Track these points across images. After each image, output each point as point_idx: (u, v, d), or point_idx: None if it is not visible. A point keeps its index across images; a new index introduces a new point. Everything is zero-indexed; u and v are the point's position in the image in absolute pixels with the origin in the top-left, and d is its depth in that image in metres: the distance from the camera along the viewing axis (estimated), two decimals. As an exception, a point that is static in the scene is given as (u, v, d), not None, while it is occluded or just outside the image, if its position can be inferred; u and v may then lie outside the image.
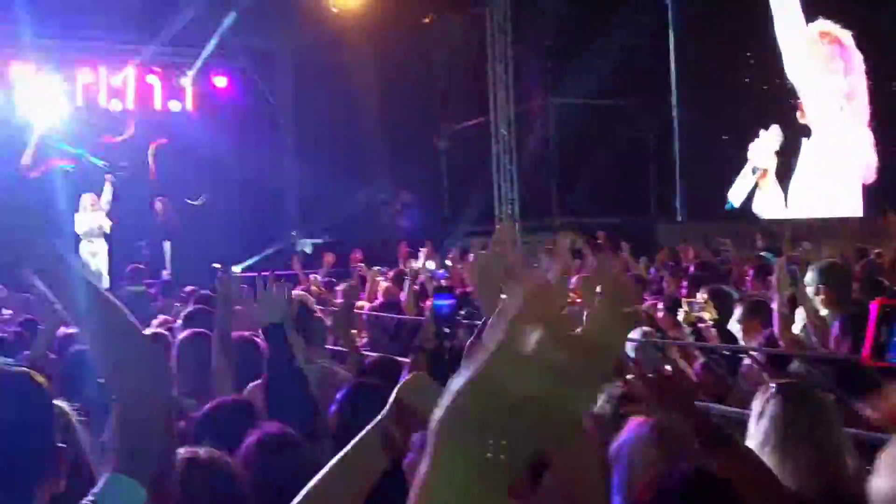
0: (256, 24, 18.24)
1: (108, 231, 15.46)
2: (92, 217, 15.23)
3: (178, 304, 9.97)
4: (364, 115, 16.58)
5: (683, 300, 6.28)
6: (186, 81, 18.36)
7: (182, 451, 2.58)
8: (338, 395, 3.39)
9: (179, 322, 6.28)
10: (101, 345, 1.80)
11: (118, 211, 16.19)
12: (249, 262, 17.15)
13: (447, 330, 3.61)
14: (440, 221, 16.97)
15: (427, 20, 18.12)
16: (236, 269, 16.30)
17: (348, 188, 17.59)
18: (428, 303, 6.58)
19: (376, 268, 10.45)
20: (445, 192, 17.61)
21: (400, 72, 16.89)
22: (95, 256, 15.17)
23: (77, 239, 15.22)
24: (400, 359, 6.96)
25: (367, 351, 6.51)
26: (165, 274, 13.86)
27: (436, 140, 17.85)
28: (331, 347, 6.31)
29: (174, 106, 18.50)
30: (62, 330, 5.44)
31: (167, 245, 16.26)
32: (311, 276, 10.42)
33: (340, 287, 8.69)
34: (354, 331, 7.77)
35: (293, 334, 4.25)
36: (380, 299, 9.29)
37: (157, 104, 18.43)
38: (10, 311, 8.20)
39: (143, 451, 1.77)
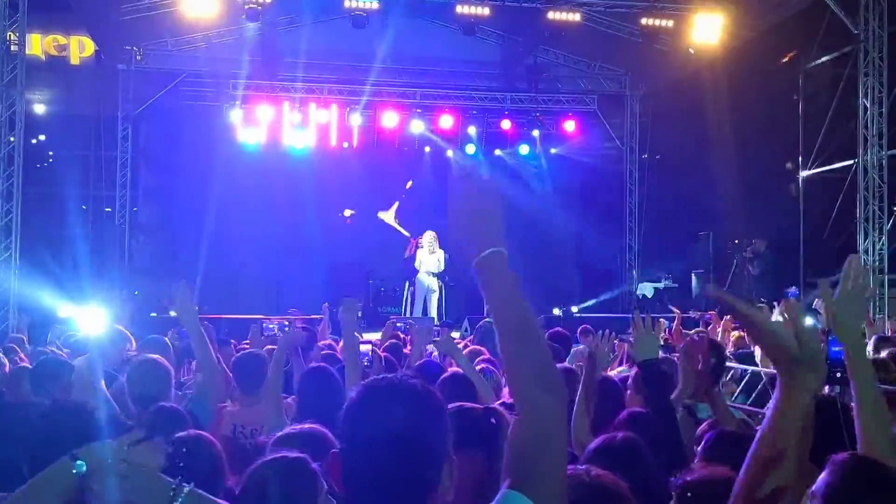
0: (608, 68, 18.50)
1: (440, 269, 16.23)
2: (433, 255, 16.11)
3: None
4: (715, 158, 16.00)
5: None
6: (537, 127, 19.03)
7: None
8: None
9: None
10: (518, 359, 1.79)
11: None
12: (587, 303, 17.26)
13: (839, 374, 3.32)
14: (792, 272, 15.84)
15: (787, 59, 17.19)
16: (574, 308, 16.53)
17: (693, 232, 17.10)
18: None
19: (728, 317, 9.92)
20: (799, 241, 16.41)
21: (756, 113, 16.12)
22: (433, 292, 16.04)
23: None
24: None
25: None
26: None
27: (792, 185, 16.74)
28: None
29: (523, 150, 19.25)
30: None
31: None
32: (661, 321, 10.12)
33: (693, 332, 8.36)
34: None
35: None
36: (730, 348, 8.82)
37: (508, 148, 19.29)
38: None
39: (540, 468, 1.71)
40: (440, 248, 16.28)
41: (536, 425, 1.74)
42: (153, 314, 14.20)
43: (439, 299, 16.47)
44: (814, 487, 2.41)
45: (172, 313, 4.78)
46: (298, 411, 4.43)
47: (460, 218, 1.86)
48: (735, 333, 9.31)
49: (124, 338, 7.02)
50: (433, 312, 15.98)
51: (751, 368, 7.81)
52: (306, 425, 3.33)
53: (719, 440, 3.33)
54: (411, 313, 15.99)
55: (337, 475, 1.75)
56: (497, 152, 19.51)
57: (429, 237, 16.11)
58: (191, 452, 3.23)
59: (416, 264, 16.16)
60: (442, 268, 16.18)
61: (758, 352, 8.23)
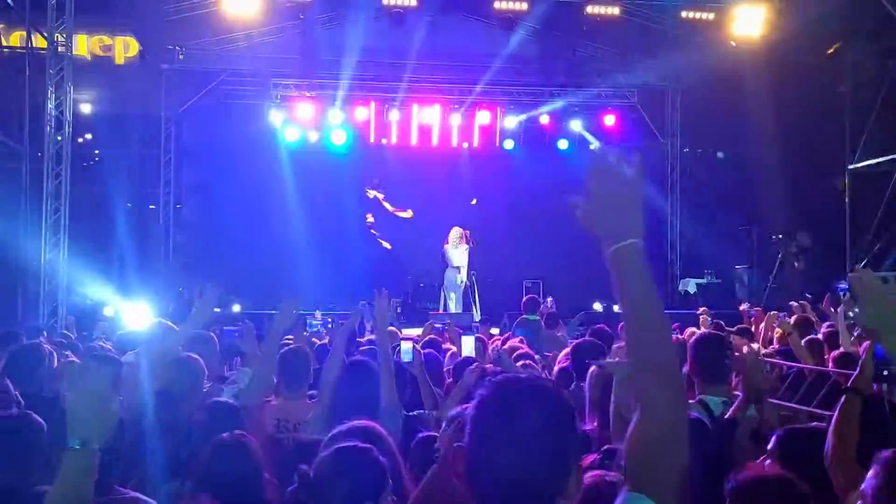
0: (648, 61, 18.33)
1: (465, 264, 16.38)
2: (457, 250, 16.25)
3: (560, 335, 10.32)
4: (758, 152, 15.79)
5: None
6: (576, 123, 18.93)
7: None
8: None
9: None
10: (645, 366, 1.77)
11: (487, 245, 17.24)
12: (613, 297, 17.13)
13: (886, 372, 3.27)
14: (837, 267, 15.59)
15: (832, 51, 16.88)
16: (616, 307, 16.42)
17: (736, 227, 16.90)
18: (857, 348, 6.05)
19: (773, 312, 9.80)
20: (846, 235, 16.13)
21: (799, 106, 15.87)
22: (460, 285, 16.18)
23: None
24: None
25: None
26: (549, 304, 14.26)
27: (837, 179, 16.47)
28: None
29: (562, 144, 19.17)
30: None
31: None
32: (702, 317, 10.03)
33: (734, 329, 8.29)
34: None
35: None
36: (775, 346, 8.69)
37: (547, 142, 19.21)
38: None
39: (662, 468, 1.69)
40: (466, 243, 16.42)
41: (659, 422, 1.71)
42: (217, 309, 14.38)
43: (472, 294, 16.57)
44: (863, 486, 2.39)
45: (217, 309, 4.87)
46: (335, 405, 4.45)
47: (597, 206, 1.83)
48: (779, 330, 9.17)
49: (171, 332, 7.14)
50: (455, 307, 16.08)
51: (796, 366, 7.69)
52: (360, 422, 3.35)
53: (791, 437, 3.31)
54: (445, 309, 16.08)
55: (459, 469, 1.75)
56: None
57: (455, 233, 16.26)
58: (230, 458, 3.30)
59: (446, 260, 16.32)
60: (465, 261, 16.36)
61: (794, 348, 8.12)
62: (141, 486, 3.33)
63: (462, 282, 16.26)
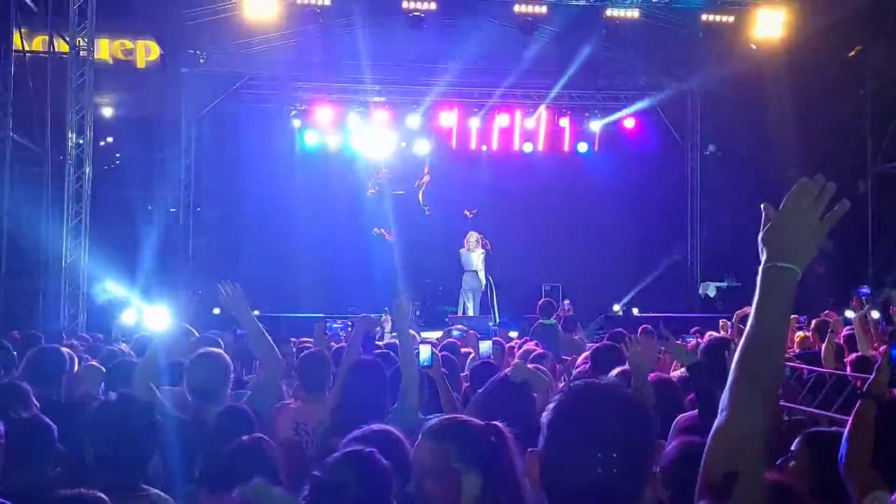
0: (668, 65, 18.28)
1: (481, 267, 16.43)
2: (471, 254, 16.32)
3: (579, 338, 10.30)
4: (779, 154, 15.67)
5: None
6: (596, 124, 18.89)
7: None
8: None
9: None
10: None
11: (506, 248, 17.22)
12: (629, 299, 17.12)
13: (903, 379, 3.25)
14: (857, 271, 15.46)
15: (853, 54, 16.74)
16: (635, 310, 16.39)
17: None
18: (875, 352, 6.00)
19: (793, 316, 9.73)
20: (868, 238, 15.98)
21: (820, 108, 15.75)
22: (479, 289, 16.25)
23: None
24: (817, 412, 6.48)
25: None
26: (566, 307, 14.25)
27: (858, 182, 16.32)
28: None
29: (581, 147, 19.13)
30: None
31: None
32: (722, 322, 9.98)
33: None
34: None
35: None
36: (794, 349, 8.64)
37: (566, 146, 19.19)
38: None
39: (742, 477, 1.70)
40: (482, 247, 16.48)
41: (748, 427, 1.74)
42: (216, 310, 14.48)
43: (490, 297, 16.64)
44: None
45: (216, 311, 4.87)
46: (341, 404, 4.46)
47: (782, 222, 1.92)
48: (799, 334, 9.12)
49: (190, 334, 7.19)
50: (473, 310, 16.17)
51: (817, 370, 7.63)
52: (378, 426, 3.35)
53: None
54: (464, 312, 16.12)
55: (535, 475, 1.73)
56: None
57: (471, 238, 16.38)
58: (249, 460, 3.31)
59: (463, 264, 16.41)
60: (482, 266, 16.42)
61: (824, 353, 8.06)
62: (165, 487, 3.36)
63: (481, 284, 16.33)
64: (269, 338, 4.72)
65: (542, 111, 18.82)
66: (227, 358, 4.78)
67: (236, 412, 4.00)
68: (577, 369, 6.25)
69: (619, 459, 1.64)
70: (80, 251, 13.63)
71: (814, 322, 9.08)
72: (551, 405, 1.75)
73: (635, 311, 16.03)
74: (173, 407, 4.26)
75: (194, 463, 3.63)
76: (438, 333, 10.44)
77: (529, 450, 1.76)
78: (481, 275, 16.40)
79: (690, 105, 19.19)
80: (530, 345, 7.59)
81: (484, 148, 19.13)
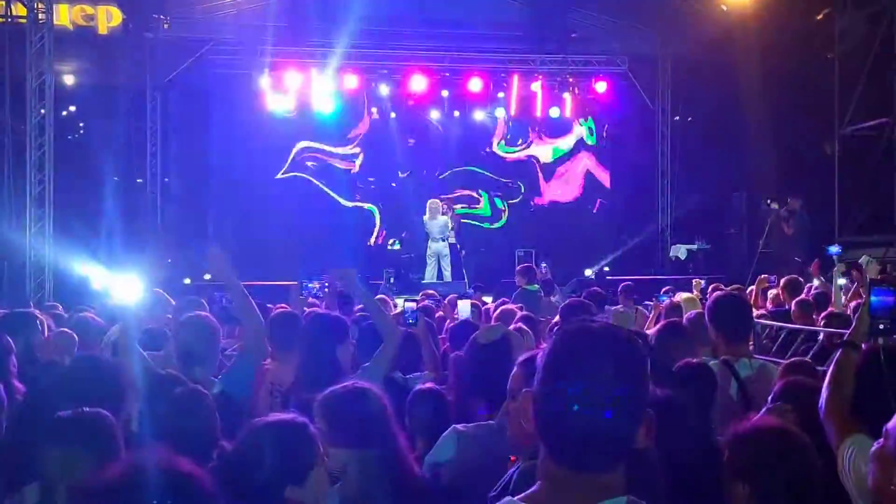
0: (639, 28, 18.22)
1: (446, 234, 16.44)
2: (434, 222, 16.30)
3: (555, 299, 10.31)
4: (749, 118, 15.74)
5: None
6: (567, 91, 18.81)
7: None
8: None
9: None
10: None
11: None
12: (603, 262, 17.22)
13: (882, 326, 3.28)
14: (827, 231, 15.63)
15: (821, 17, 16.78)
16: (606, 269, 16.50)
17: (727, 193, 16.90)
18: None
19: (763, 276, 9.84)
20: (835, 200, 16.15)
21: (789, 72, 15.80)
22: (442, 257, 16.27)
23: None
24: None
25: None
26: (543, 270, 14.27)
27: (826, 144, 16.44)
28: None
29: (553, 112, 19.06)
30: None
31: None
32: (695, 281, 10.03)
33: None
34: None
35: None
36: (769, 306, 8.73)
37: (538, 111, 19.11)
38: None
39: None
40: (444, 214, 16.46)
41: None
42: (187, 280, 14.33)
43: (462, 262, 16.68)
44: (889, 425, 2.38)
45: (207, 276, 4.81)
46: (301, 363, 4.47)
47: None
48: (772, 291, 9.21)
49: (165, 301, 7.10)
50: (447, 276, 16.14)
51: (787, 326, 7.72)
52: (350, 383, 3.32)
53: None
54: (439, 278, 16.15)
55: (528, 417, 1.72)
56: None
57: (431, 205, 16.35)
58: (188, 410, 3.28)
59: (427, 231, 16.37)
60: (448, 232, 16.36)
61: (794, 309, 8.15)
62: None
63: (445, 251, 16.35)
64: (252, 300, 4.68)
65: (515, 76, 18.69)
66: (215, 322, 4.74)
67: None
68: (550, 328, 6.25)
69: (612, 399, 1.63)
70: (43, 221, 13.39)
71: (783, 280, 9.17)
72: (545, 346, 1.74)
73: (606, 269, 16.16)
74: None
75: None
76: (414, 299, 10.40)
77: (524, 390, 1.74)
78: (444, 242, 16.40)
79: (661, 69, 19.17)
80: (511, 306, 7.56)
81: (456, 113, 19.01)
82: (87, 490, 2.11)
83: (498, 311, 6.64)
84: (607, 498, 1.64)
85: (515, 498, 1.68)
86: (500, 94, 18.78)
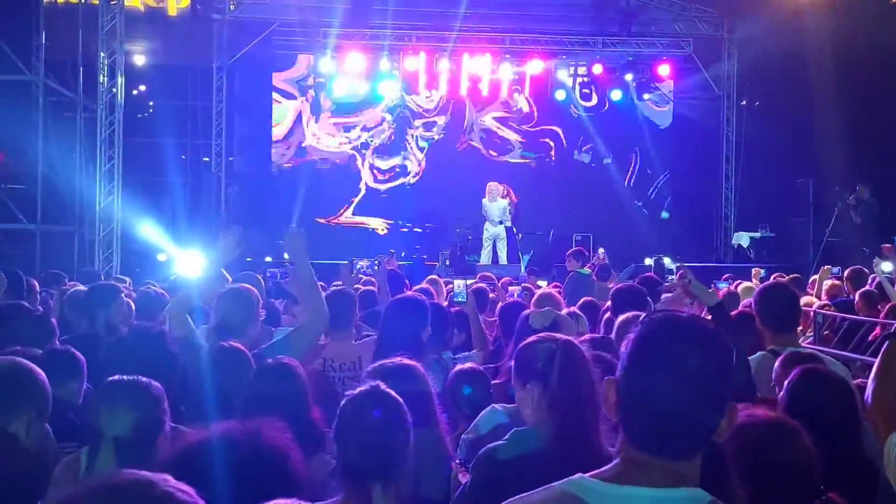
0: (704, 11, 17.87)
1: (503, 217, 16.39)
2: (493, 204, 16.26)
3: (612, 286, 10.24)
4: (818, 104, 15.33)
5: None
6: (629, 74, 18.58)
7: None
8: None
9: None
10: None
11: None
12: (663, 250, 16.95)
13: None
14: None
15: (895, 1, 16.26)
16: (666, 259, 16.30)
17: (792, 180, 16.53)
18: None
19: (826, 266, 9.61)
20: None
21: (860, 57, 15.34)
22: (499, 240, 16.25)
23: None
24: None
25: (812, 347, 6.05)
26: (601, 256, 14.18)
27: (899, 131, 15.95)
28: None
29: (616, 95, 18.85)
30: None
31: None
32: (754, 270, 9.87)
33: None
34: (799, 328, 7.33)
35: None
36: (824, 297, 8.55)
37: (600, 94, 18.91)
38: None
39: None
40: (503, 197, 16.42)
41: None
42: (248, 258, 14.60)
43: (517, 246, 16.66)
44: None
45: (286, 256, 4.86)
46: (380, 341, 4.46)
47: None
48: (829, 282, 9.01)
49: (222, 277, 7.26)
50: (503, 258, 16.12)
51: (849, 317, 7.55)
52: (397, 359, 3.36)
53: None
54: (495, 261, 16.17)
55: (612, 403, 1.76)
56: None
57: (490, 187, 16.33)
58: (278, 379, 3.34)
59: (484, 213, 16.38)
60: (506, 216, 16.33)
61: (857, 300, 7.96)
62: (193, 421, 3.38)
63: (503, 234, 16.34)
64: (320, 288, 4.62)
65: (576, 57, 18.53)
66: (256, 294, 4.78)
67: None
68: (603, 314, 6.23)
69: (696, 390, 1.66)
70: (113, 196, 13.77)
71: (846, 271, 8.96)
72: (630, 335, 1.76)
73: (667, 260, 15.91)
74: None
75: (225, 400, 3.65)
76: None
77: (607, 378, 1.78)
78: (502, 225, 16.38)
79: (727, 52, 18.78)
80: (548, 289, 7.55)
81: (517, 95, 18.93)
82: (172, 460, 2.21)
83: (536, 295, 6.62)
84: (682, 486, 1.66)
85: (586, 475, 1.71)
86: (562, 76, 18.64)
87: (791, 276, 9.28)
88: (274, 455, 2.28)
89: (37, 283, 7.26)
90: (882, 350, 3.22)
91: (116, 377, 2.90)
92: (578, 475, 1.72)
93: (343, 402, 2.62)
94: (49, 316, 5.25)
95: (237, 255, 4.61)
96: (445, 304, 6.23)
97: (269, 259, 14.78)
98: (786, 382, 3.21)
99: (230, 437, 2.29)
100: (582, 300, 6.57)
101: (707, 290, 3.95)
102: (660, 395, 1.66)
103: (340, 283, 7.03)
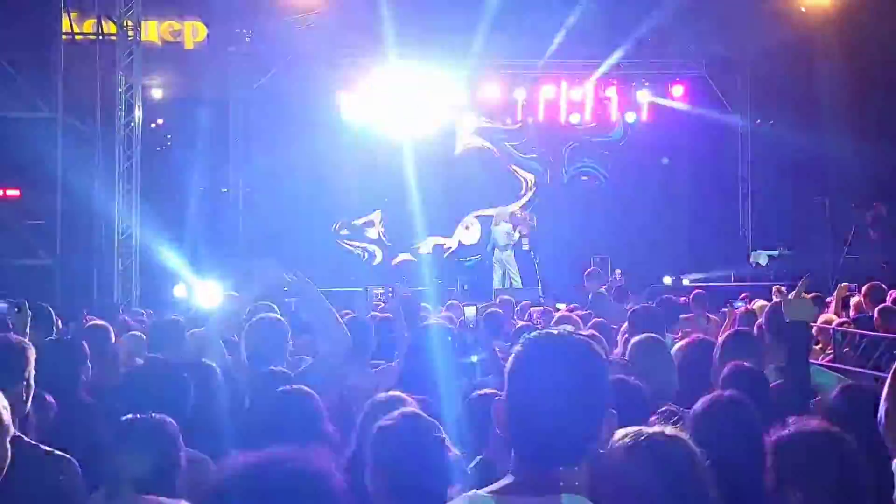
0: (718, 30, 17.88)
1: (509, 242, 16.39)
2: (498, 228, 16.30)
3: (629, 308, 10.21)
4: (832, 122, 15.29)
5: None
6: (643, 94, 18.61)
7: None
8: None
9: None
10: None
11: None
12: (697, 276, 16.84)
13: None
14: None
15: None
16: (685, 281, 16.21)
17: (809, 198, 16.47)
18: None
19: (844, 283, 9.56)
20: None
21: (874, 74, 15.31)
22: (508, 265, 16.28)
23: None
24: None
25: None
26: (618, 277, 14.16)
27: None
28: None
29: (629, 117, 18.88)
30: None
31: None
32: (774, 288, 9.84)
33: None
34: (818, 346, 7.29)
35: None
36: (852, 314, 8.49)
37: (614, 116, 18.96)
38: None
39: None
40: (507, 222, 16.54)
41: None
42: (286, 289, 14.62)
43: (534, 269, 16.71)
44: None
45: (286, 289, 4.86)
46: (403, 371, 4.46)
47: None
48: (854, 298, 8.95)
49: (242, 310, 7.29)
50: (517, 282, 16.14)
51: (868, 334, 7.49)
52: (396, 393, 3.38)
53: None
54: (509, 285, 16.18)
55: (501, 421, 1.86)
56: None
57: (495, 212, 16.41)
58: (291, 404, 3.36)
59: (492, 239, 16.47)
60: (511, 241, 16.34)
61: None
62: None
63: (509, 258, 16.40)
64: (337, 315, 4.62)
65: (590, 81, 18.58)
66: (286, 323, 4.78)
67: (280, 375, 4.04)
68: (622, 336, 6.23)
69: (572, 403, 1.78)
70: (131, 230, 13.91)
71: (864, 287, 8.90)
72: (511, 356, 1.89)
73: (686, 280, 15.86)
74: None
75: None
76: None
77: (497, 397, 1.91)
78: (510, 251, 16.43)
79: (740, 72, 18.79)
80: (565, 311, 7.56)
81: (530, 120, 18.99)
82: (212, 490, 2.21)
83: (555, 318, 6.64)
84: (566, 493, 1.76)
85: (482, 490, 1.82)
86: (576, 99, 18.69)
87: (812, 294, 9.21)
88: (324, 482, 2.28)
89: (59, 320, 7.32)
90: (894, 367, 3.19)
91: (130, 416, 2.90)
92: (473, 491, 1.85)
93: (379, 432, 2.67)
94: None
95: (272, 286, 4.62)
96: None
97: (286, 289, 14.77)
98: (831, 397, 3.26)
99: (282, 462, 2.29)
100: (593, 320, 6.57)
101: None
102: (537, 408, 1.79)
103: (349, 311, 7.05)
